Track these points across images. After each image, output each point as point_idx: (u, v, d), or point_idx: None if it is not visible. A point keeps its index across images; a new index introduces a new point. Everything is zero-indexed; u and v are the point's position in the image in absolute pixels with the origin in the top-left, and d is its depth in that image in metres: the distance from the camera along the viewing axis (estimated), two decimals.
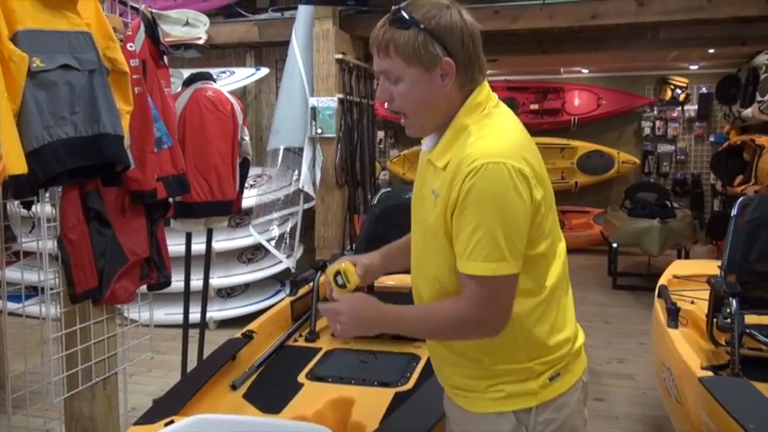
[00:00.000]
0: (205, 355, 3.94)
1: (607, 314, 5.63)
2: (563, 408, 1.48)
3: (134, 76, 2.52)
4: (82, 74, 2.27)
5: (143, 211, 2.69)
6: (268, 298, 5.33)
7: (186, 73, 3.71)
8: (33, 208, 2.50)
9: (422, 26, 1.36)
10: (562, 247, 1.51)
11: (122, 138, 2.36)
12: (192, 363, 3.88)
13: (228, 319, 5.19)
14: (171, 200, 2.90)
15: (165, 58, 2.90)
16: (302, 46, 5.00)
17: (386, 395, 2.23)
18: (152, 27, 2.78)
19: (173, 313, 4.61)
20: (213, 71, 3.93)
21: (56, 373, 2.46)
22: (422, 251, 1.52)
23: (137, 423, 1.81)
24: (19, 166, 2.00)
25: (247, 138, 3.69)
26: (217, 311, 5.14)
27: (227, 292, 5.36)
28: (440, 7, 1.39)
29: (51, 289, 2.45)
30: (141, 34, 2.70)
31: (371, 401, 2.18)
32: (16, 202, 2.47)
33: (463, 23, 1.39)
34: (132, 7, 2.78)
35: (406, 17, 1.37)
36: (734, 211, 2.57)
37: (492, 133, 1.38)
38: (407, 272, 1.62)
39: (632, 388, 4.04)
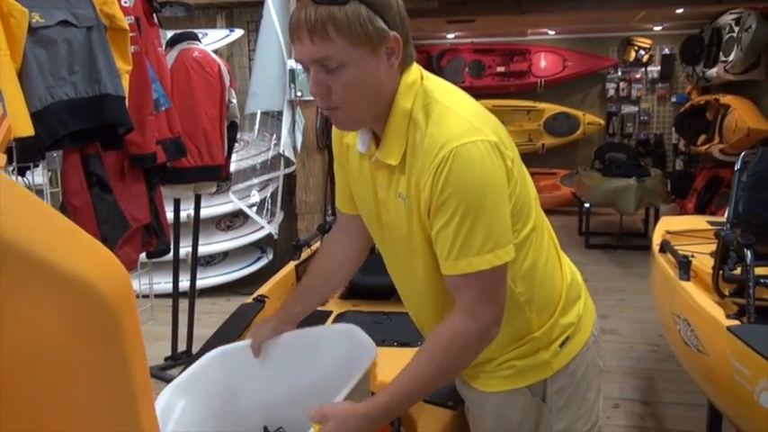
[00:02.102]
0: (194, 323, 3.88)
1: (583, 273, 5.55)
2: (577, 370, 1.41)
3: (131, 34, 2.40)
4: (80, 30, 2.16)
5: (142, 176, 2.60)
6: (249, 265, 5.26)
7: (167, 34, 3.56)
8: (27, 175, 2.39)
9: None
10: (539, 208, 1.40)
11: (124, 98, 2.27)
12: (182, 332, 3.81)
13: (208, 287, 5.11)
14: (168, 164, 2.80)
15: (156, 15, 2.78)
16: (278, 6, 4.84)
17: (407, 355, 2.20)
18: None
19: (162, 282, 4.51)
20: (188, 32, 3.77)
21: None
22: (406, 271, 1.38)
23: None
24: (26, 128, 1.90)
25: (234, 100, 3.59)
26: (203, 279, 5.05)
27: (207, 261, 5.26)
28: None
29: None
30: None
31: (393, 361, 2.16)
32: (11, 169, 2.35)
33: None
34: None
35: None
36: (737, 166, 2.62)
37: (444, 113, 1.20)
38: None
39: (618, 342, 4.14)
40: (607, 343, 4.11)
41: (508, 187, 1.21)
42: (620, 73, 8.88)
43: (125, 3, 2.46)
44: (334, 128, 1.41)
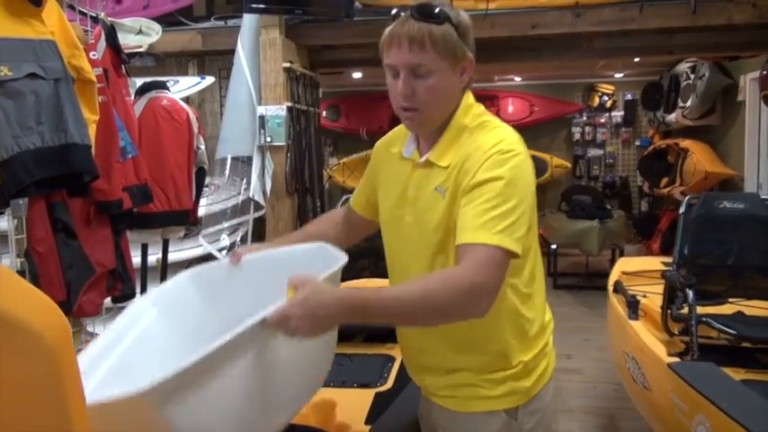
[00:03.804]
0: None
1: (551, 313, 5.84)
2: (545, 395, 1.56)
3: (98, 85, 2.48)
4: (48, 83, 2.21)
5: (108, 222, 2.64)
6: None
7: (137, 82, 3.65)
8: None
9: (453, 22, 1.40)
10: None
11: (90, 147, 2.32)
12: None
13: None
14: (134, 210, 2.85)
15: (124, 66, 2.86)
16: (248, 55, 4.97)
17: (366, 395, 2.27)
18: (112, 35, 2.73)
19: None
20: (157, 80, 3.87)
21: None
22: (411, 264, 1.51)
23: None
24: None
25: (203, 147, 3.66)
26: None
27: None
28: (450, 6, 1.42)
29: None
30: (102, 43, 2.65)
31: (353, 402, 2.21)
32: None
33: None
34: (91, 16, 2.73)
35: (439, 12, 1.39)
36: (681, 209, 2.75)
37: (498, 127, 1.46)
38: None
39: (582, 382, 4.22)
40: (570, 383, 4.18)
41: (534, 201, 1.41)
42: (585, 117, 9.15)
43: (93, 55, 2.55)
44: (380, 141, 1.70)
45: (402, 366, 2.48)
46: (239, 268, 1.66)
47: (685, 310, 2.47)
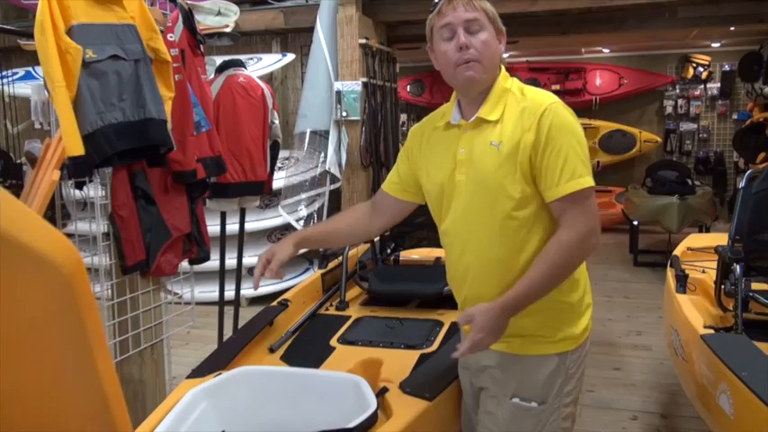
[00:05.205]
0: None
1: (628, 290, 5.76)
2: (585, 346, 1.75)
3: (174, 65, 2.70)
4: (128, 63, 2.45)
5: (184, 191, 2.88)
6: (297, 276, 5.54)
7: (218, 60, 3.90)
8: (84, 189, 2.72)
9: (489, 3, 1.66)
10: None
11: (166, 122, 2.55)
12: (228, 337, 4.10)
13: (259, 296, 5.41)
14: (208, 180, 3.09)
15: (201, 46, 3.08)
16: (326, 32, 5.15)
17: (412, 356, 2.40)
18: (189, 18, 2.95)
19: (207, 291, 4.83)
20: (242, 57, 4.11)
21: (108, 339, 2.68)
22: (475, 223, 1.66)
23: (189, 377, 2.01)
24: (77, 148, 2.21)
25: (277, 121, 3.87)
26: (248, 289, 5.35)
27: None
28: None
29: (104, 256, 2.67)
30: (180, 25, 2.88)
31: (399, 362, 2.35)
32: (70, 183, 2.69)
33: None
34: (170, 0, 2.96)
35: None
36: (741, 184, 2.70)
37: (536, 90, 1.67)
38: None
39: (649, 358, 4.18)
40: (638, 358, 4.16)
41: None
42: (678, 90, 8.79)
43: (170, 37, 2.77)
44: (415, 127, 1.89)
45: (449, 330, 2.61)
46: (286, 377, 1.94)
47: None
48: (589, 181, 1.56)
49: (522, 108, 1.60)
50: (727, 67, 8.53)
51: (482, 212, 1.64)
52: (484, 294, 1.64)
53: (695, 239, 3.63)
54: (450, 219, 1.73)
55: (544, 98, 1.61)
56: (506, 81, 1.69)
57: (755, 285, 2.48)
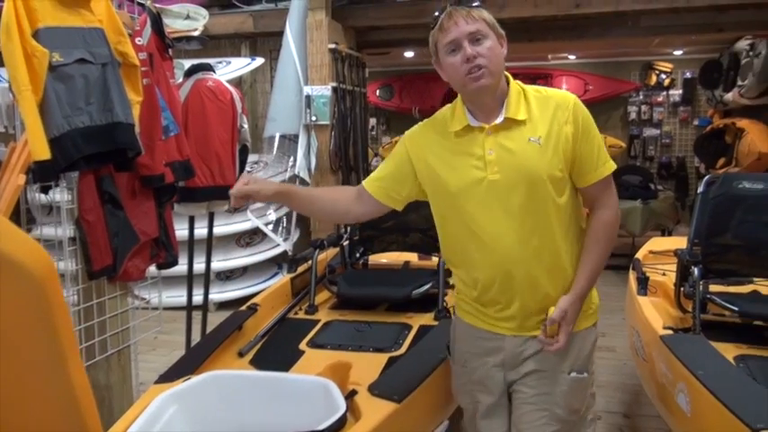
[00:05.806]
0: None
1: None
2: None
3: (142, 69, 2.69)
4: (96, 67, 2.44)
5: (152, 195, 2.87)
6: (266, 280, 5.53)
7: (187, 64, 3.88)
8: (50, 193, 2.70)
9: (485, 8, 1.74)
10: None
11: (133, 126, 2.54)
12: (196, 342, 4.08)
13: (228, 300, 5.39)
14: (177, 184, 3.08)
15: (170, 50, 3.08)
16: (296, 36, 5.16)
17: (380, 359, 2.43)
18: (157, 22, 2.94)
19: (174, 296, 4.80)
20: (211, 61, 4.09)
21: None
22: (525, 225, 1.71)
23: (157, 382, 2.01)
24: (43, 152, 2.19)
25: (246, 125, 3.87)
26: (217, 294, 5.33)
27: (227, 275, 5.55)
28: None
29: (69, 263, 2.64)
30: (148, 29, 2.87)
31: (367, 365, 2.38)
32: (35, 187, 2.66)
33: None
34: (138, 3, 2.95)
35: (477, 2, 1.73)
36: (700, 188, 2.78)
37: (548, 88, 1.79)
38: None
39: (613, 359, 4.26)
40: (602, 359, 4.24)
41: None
42: (641, 96, 8.98)
43: (139, 41, 2.76)
44: (411, 131, 1.90)
45: (417, 333, 2.64)
46: (256, 381, 1.97)
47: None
48: (614, 164, 1.76)
49: (553, 104, 1.72)
50: (688, 75, 8.74)
51: (530, 205, 1.70)
52: (541, 285, 1.74)
53: (657, 243, 3.73)
54: (486, 218, 1.73)
55: (566, 93, 1.76)
56: (516, 84, 1.78)
57: (713, 287, 2.57)
